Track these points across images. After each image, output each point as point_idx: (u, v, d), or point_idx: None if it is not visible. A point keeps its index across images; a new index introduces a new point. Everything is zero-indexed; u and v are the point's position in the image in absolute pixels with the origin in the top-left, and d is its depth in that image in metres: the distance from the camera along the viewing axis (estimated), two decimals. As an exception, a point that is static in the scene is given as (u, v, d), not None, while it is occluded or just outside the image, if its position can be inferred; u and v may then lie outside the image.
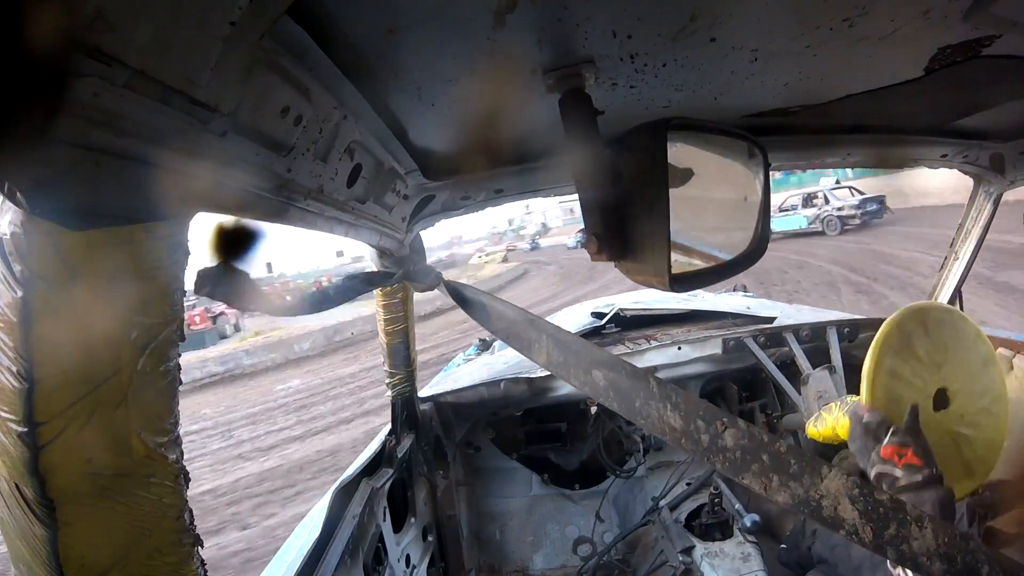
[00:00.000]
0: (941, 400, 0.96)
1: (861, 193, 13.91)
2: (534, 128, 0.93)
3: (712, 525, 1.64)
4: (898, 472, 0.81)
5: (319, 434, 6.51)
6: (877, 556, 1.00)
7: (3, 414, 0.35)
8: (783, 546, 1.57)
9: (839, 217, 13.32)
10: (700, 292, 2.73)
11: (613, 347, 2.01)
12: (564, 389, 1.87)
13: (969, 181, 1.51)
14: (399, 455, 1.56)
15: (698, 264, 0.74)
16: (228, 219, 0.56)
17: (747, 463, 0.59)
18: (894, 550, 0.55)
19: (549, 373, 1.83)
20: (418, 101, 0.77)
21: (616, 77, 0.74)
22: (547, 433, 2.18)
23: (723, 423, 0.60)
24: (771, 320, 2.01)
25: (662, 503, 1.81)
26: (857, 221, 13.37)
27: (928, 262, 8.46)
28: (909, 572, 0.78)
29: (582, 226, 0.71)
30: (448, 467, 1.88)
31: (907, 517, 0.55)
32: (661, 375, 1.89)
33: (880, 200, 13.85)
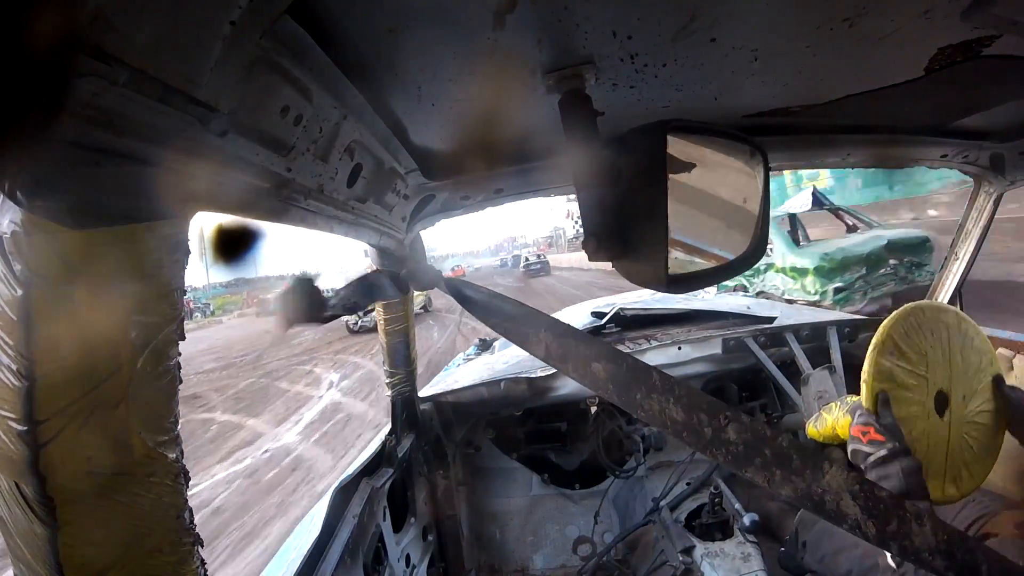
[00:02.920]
0: (941, 402, 0.96)
1: (538, 258, 28.10)
2: (534, 128, 0.93)
3: (712, 525, 1.63)
4: (866, 448, 0.88)
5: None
6: (866, 562, 1.01)
7: (3, 412, 0.35)
8: (783, 549, 1.58)
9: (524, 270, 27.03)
10: (700, 292, 2.73)
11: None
12: (564, 389, 1.87)
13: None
14: (399, 455, 1.56)
15: (697, 265, 0.74)
16: (228, 218, 0.56)
17: (750, 457, 0.59)
18: (897, 545, 0.55)
19: (549, 373, 1.84)
20: (418, 101, 0.77)
21: (616, 77, 0.75)
22: (547, 433, 2.18)
23: (726, 416, 0.60)
24: (771, 320, 2.00)
25: (662, 503, 1.81)
26: (530, 271, 26.53)
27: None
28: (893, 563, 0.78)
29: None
30: (448, 467, 1.88)
31: (906, 514, 0.55)
32: None
33: (544, 262, 27.15)
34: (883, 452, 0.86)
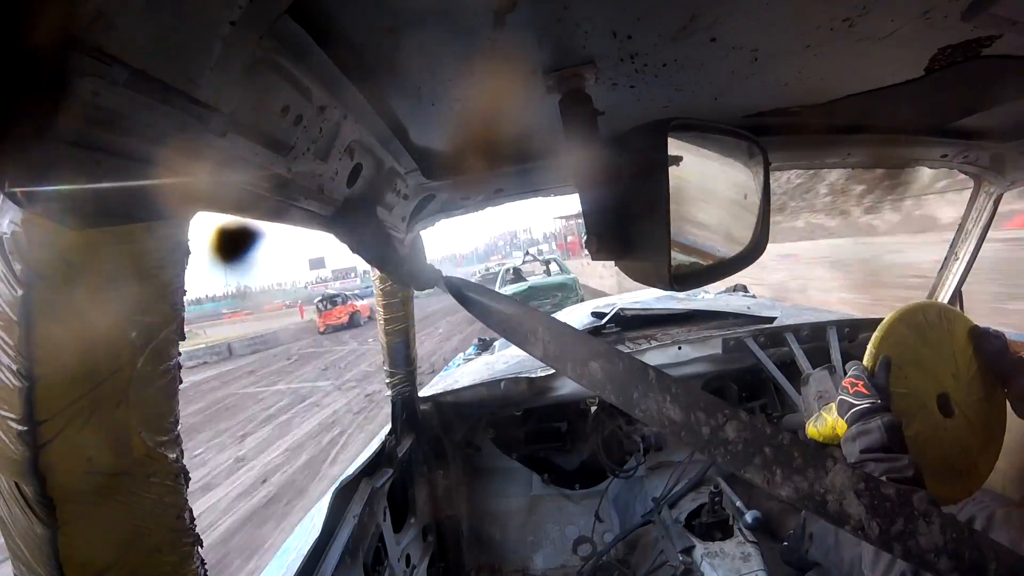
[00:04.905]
0: (945, 404, 0.96)
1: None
2: (534, 128, 0.93)
3: (712, 525, 1.63)
4: (851, 398, 0.93)
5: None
6: (869, 556, 1.02)
7: (3, 412, 0.35)
8: (786, 544, 1.58)
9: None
10: (700, 292, 2.73)
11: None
12: (564, 389, 1.87)
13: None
14: (399, 455, 1.56)
15: (698, 263, 0.74)
16: (228, 219, 0.56)
17: (749, 456, 0.58)
18: (900, 546, 0.54)
19: (549, 373, 1.84)
20: (418, 101, 0.77)
21: (616, 77, 0.74)
22: (547, 433, 2.18)
23: (724, 415, 0.60)
24: (771, 320, 2.00)
25: (662, 503, 1.81)
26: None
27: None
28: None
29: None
30: (448, 467, 1.88)
31: (914, 512, 0.54)
32: None
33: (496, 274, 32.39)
34: (866, 405, 0.90)
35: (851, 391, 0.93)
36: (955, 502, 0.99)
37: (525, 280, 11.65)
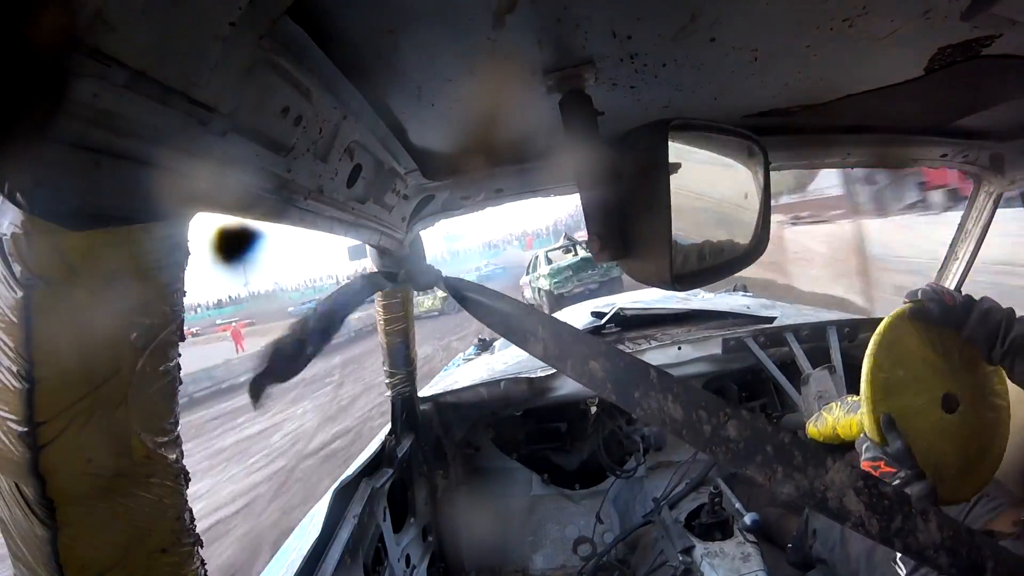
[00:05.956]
0: (950, 403, 0.96)
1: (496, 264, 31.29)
2: (534, 128, 0.93)
3: (712, 525, 1.63)
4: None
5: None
6: (875, 555, 1.01)
7: (3, 414, 0.35)
8: (791, 546, 1.58)
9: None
10: (700, 292, 2.73)
11: None
12: (564, 389, 1.87)
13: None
14: (399, 455, 1.56)
15: (701, 262, 0.75)
16: (228, 219, 0.56)
17: (750, 454, 0.59)
18: (900, 542, 0.55)
19: (549, 373, 1.84)
20: (418, 101, 0.77)
21: (616, 77, 0.74)
22: (547, 433, 2.18)
23: (726, 413, 0.60)
24: (771, 320, 2.00)
25: (662, 503, 1.81)
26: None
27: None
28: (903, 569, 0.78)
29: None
30: (448, 467, 1.88)
31: (912, 510, 0.55)
32: None
33: (503, 268, 30.95)
34: (896, 483, 0.85)
35: (876, 476, 0.88)
36: (974, 494, 0.98)
37: (550, 263, 14.08)
